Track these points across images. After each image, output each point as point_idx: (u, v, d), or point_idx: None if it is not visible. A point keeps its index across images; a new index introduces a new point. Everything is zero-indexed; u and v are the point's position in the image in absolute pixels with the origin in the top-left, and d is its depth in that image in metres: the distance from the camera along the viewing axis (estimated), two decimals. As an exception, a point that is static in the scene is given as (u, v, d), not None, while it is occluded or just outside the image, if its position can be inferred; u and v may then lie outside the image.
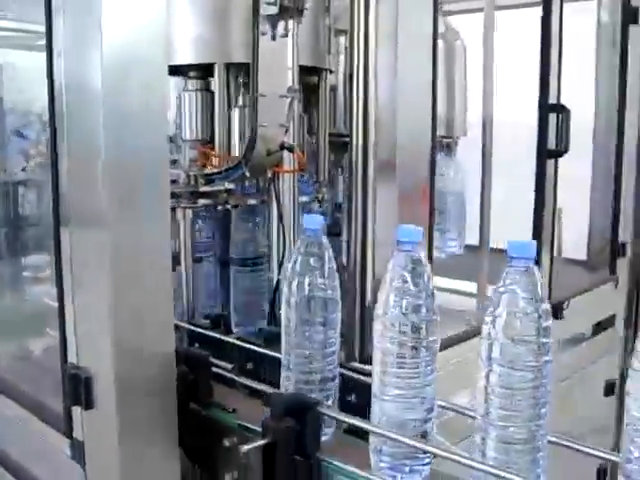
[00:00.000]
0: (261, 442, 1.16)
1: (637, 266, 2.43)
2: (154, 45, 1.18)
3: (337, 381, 1.26)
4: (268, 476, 1.17)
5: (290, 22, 1.50)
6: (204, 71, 1.66)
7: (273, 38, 1.48)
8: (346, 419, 1.22)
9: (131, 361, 1.19)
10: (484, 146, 2.31)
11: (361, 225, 1.73)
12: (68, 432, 1.29)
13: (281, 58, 1.55)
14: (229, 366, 1.43)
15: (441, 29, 2.37)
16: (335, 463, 1.18)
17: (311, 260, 1.19)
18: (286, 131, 1.59)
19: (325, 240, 1.21)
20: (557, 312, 2.10)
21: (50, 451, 1.37)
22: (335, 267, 1.22)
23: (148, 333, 1.22)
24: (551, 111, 2.00)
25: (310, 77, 1.85)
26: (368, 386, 1.30)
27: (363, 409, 1.28)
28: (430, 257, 1.71)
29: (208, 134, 1.65)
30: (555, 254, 2.53)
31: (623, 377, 2.23)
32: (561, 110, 2.01)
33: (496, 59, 2.24)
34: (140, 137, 1.17)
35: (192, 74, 1.68)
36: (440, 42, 2.35)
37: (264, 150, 1.54)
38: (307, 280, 1.19)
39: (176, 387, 1.28)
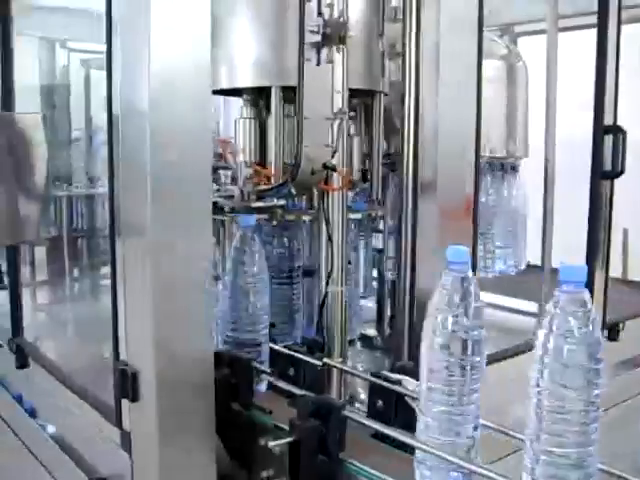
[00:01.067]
0: (287, 439, 1.25)
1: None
2: (199, 69, 1.28)
3: (479, 430, 1.13)
4: (294, 473, 1.26)
5: (334, 49, 1.59)
6: (261, 93, 1.77)
7: (318, 64, 1.57)
8: (375, 426, 1.28)
9: (171, 360, 1.29)
10: (546, 167, 2.32)
11: (411, 242, 1.80)
12: (118, 423, 1.40)
13: (327, 82, 1.63)
14: (268, 370, 1.52)
15: (503, 51, 2.42)
16: (357, 464, 1.25)
17: (455, 297, 1.09)
18: (335, 152, 1.67)
19: (471, 275, 1.10)
20: (612, 334, 2.09)
21: (102, 440, 1.49)
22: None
23: (189, 335, 1.32)
24: (606, 133, 2.00)
25: (366, 99, 1.93)
26: (395, 393, 1.38)
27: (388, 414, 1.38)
28: (474, 274, 1.76)
29: (262, 154, 1.75)
30: (620, 275, 2.49)
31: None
32: (617, 131, 2.01)
33: (560, 79, 2.25)
34: (184, 155, 1.27)
35: (249, 96, 1.79)
36: (502, 64, 2.39)
37: (309, 169, 1.62)
38: (450, 319, 1.08)
39: (219, 388, 1.37)
